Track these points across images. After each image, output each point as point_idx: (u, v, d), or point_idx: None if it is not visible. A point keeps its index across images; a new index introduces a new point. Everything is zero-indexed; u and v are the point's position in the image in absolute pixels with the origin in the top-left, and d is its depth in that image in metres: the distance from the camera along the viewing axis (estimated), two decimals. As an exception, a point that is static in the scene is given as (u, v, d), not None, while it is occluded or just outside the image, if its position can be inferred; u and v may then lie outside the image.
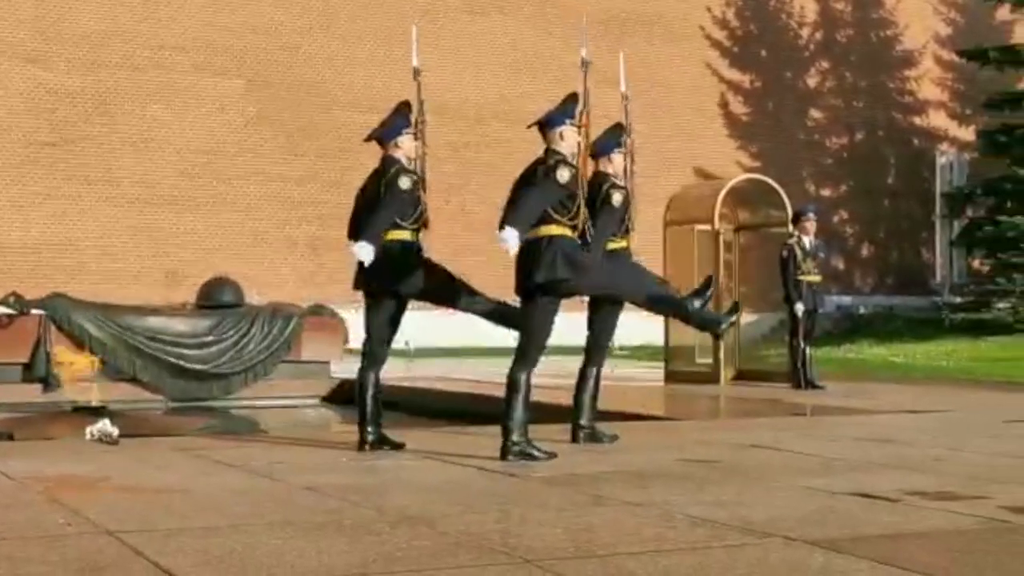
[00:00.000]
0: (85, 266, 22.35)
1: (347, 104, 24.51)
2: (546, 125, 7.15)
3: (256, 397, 13.76)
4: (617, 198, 7.74)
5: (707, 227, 14.47)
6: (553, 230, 6.92)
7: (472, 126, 25.45)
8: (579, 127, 7.23)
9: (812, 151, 29.90)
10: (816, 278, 13.73)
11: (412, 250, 7.45)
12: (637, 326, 14.23)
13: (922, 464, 6.89)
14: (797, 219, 13.90)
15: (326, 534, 4.69)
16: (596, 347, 8.06)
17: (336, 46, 24.89)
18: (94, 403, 12.31)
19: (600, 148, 7.92)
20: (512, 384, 6.91)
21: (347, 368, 14.97)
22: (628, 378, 15.38)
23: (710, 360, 14.49)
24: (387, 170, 7.43)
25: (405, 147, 7.55)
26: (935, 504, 5.45)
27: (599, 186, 7.73)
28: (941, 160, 30.52)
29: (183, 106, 23.68)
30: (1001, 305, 24.41)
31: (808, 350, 13.53)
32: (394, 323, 7.55)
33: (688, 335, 14.47)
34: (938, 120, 31.31)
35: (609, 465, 6.89)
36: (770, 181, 15.17)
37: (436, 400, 12.89)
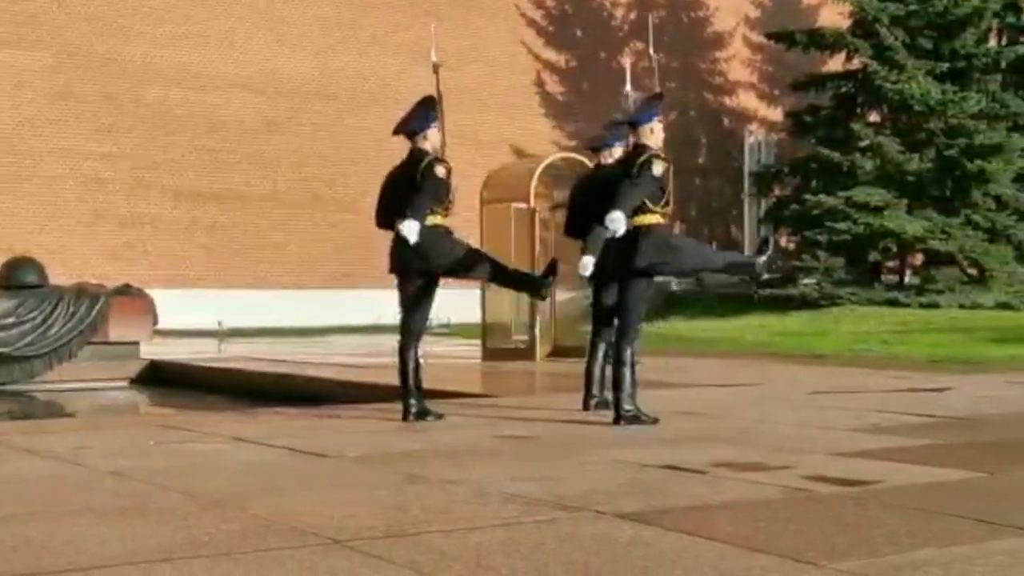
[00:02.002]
0: None
1: (156, 80, 23.92)
2: (636, 123, 7.83)
3: (61, 380, 13.38)
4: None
5: (523, 205, 14.58)
6: (649, 219, 7.60)
7: (290, 100, 25.00)
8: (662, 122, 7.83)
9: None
10: (630, 255, 13.93)
11: (443, 231, 7.90)
12: (457, 303, 14.28)
13: (729, 436, 7.05)
14: (611, 197, 14.06)
15: (130, 519, 4.56)
16: (612, 323, 8.17)
17: (145, 21, 24.22)
18: None
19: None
20: (619, 359, 7.62)
21: (157, 349, 14.65)
22: (446, 355, 15.40)
23: (526, 337, 14.59)
24: (420, 160, 7.82)
25: (433, 140, 7.96)
26: (741, 475, 5.58)
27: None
28: (750, 140, 31.26)
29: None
30: (806, 281, 25.12)
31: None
32: (431, 298, 8.03)
33: (504, 312, 14.56)
34: (748, 101, 32.09)
35: (424, 443, 6.88)
36: (585, 160, 15.27)
37: (246, 381, 12.67)
